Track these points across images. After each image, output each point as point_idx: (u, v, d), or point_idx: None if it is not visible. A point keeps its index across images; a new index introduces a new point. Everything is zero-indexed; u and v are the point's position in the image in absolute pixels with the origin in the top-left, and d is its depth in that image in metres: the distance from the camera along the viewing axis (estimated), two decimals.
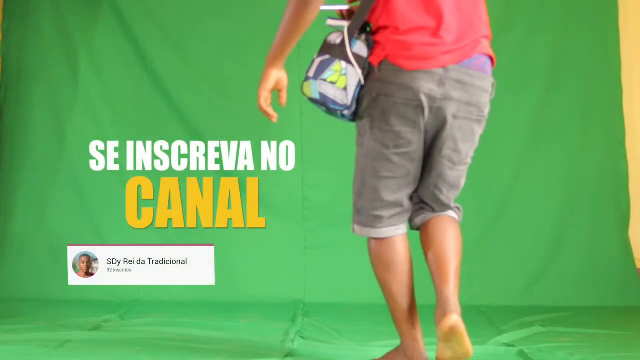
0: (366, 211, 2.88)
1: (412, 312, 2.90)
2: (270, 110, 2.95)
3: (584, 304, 4.74)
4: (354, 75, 2.83)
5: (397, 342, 3.40)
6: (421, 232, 2.98)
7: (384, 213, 2.88)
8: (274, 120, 2.97)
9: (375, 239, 2.88)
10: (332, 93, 2.84)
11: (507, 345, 3.47)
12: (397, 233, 2.90)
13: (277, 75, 2.95)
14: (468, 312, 4.52)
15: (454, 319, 2.82)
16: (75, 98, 4.94)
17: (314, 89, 2.87)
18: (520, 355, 3.23)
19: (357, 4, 2.93)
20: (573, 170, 4.92)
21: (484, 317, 4.32)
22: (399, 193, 2.89)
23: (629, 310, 4.66)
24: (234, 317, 4.24)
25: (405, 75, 2.77)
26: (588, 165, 4.93)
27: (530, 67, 4.93)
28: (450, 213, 3.04)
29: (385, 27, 2.82)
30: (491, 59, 2.94)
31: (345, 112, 2.85)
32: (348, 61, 2.82)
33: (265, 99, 2.95)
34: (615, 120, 4.95)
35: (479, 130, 2.94)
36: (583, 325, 4.05)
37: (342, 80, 2.83)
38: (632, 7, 5.01)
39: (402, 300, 2.88)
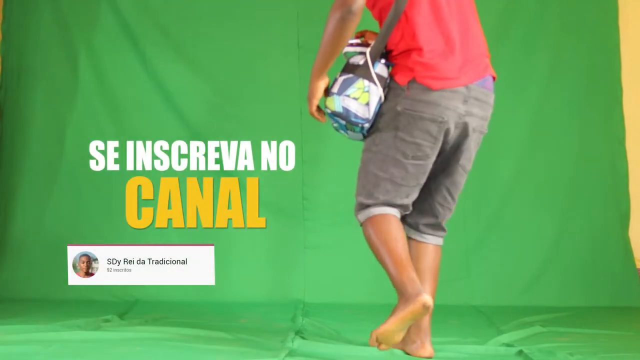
0: (373, 206, 3.12)
1: (408, 261, 3.05)
2: (320, 116, 3.21)
3: (584, 304, 4.74)
4: (375, 93, 3.09)
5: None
6: (414, 245, 3.27)
7: (390, 210, 3.13)
8: (324, 121, 3.22)
9: (372, 217, 3.11)
10: (355, 107, 3.10)
11: (507, 345, 3.47)
12: (397, 216, 3.14)
13: (325, 85, 3.19)
14: (468, 312, 4.54)
15: (432, 352, 3.22)
16: (75, 98, 4.94)
17: (337, 103, 3.12)
18: (520, 355, 3.23)
19: (363, 39, 3.22)
20: (573, 170, 4.93)
21: (484, 317, 4.32)
22: (406, 199, 3.14)
23: (629, 310, 4.67)
24: (234, 317, 4.24)
25: (433, 94, 3.06)
26: (588, 165, 4.93)
27: (531, 67, 4.93)
28: (441, 240, 3.31)
29: (407, 51, 3.10)
30: (493, 78, 3.25)
31: (366, 125, 3.12)
32: (371, 80, 3.10)
33: (316, 107, 3.20)
34: (615, 120, 4.95)
35: (481, 140, 3.28)
36: (583, 325, 4.05)
37: (365, 97, 3.10)
38: (632, 8, 5.01)
39: (399, 248, 3.05)
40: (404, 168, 3.09)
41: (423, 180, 3.15)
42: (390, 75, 3.13)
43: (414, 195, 3.15)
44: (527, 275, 4.87)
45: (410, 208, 3.17)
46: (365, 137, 3.18)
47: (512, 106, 4.92)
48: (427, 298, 2.95)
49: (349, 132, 3.17)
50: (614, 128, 4.96)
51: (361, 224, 3.15)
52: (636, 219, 4.97)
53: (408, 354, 3.22)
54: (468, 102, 3.11)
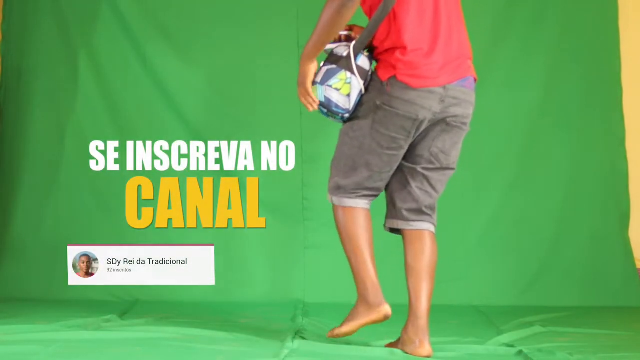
0: (349, 189, 3.32)
1: (373, 261, 3.31)
2: (310, 102, 3.30)
3: (584, 304, 4.74)
4: (356, 86, 3.24)
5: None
6: (409, 242, 3.36)
7: (364, 193, 3.33)
8: (313, 108, 3.31)
9: (346, 208, 3.32)
10: (336, 98, 3.24)
11: (507, 345, 3.47)
12: (367, 207, 3.35)
13: (315, 69, 3.30)
14: (468, 312, 4.54)
15: (431, 351, 3.25)
16: (75, 98, 4.94)
17: (320, 92, 3.27)
18: (520, 355, 3.23)
19: (351, 32, 3.33)
20: (573, 170, 4.92)
21: (484, 317, 4.32)
22: (379, 183, 3.34)
23: (629, 310, 4.66)
24: (234, 317, 4.24)
25: (411, 92, 3.19)
26: (588, 165, 4.93)
27: (531, 67, 4.93)
28: (431, 227, 3.38)
29: (392, 49, 3.21)
30: (475, 79, 3.36)
31: (346, 115, 3.27)
32: (353, 72, 3.23)
33: (308, 92, 3.29)
34: (615, 120, 4.95)
35: (463, 137, 3.37)
36: (583, 325, 4.04)
37: (346, 88, 3.24)
38: (632, 7, 5.01)
39: (367, 254, 3.29)
40: (379, 156, 3.26)
41: (395, 166, 3.31)
42: (374, 70, 3.26)
43: (386, 180, 3.34)
44: (527, 275, 4.86)
45: (382, 190, 3.37)
46: (345, 122, 3.33)
47: (512, 106, 4.92)
48: (388, 309, 3.25)
49: (330, 118, 3.32)
50: (614, 128, 4.95)
51: (334, 205, 3.35)
52: (636, 219, 4.97)
53: (407, 353, 3.23)
54: (445, 101, 3.22)
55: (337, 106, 3.24)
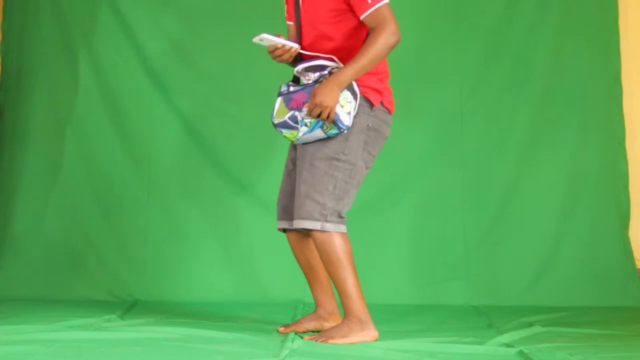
0: (342, 212, 3.49)
1: None
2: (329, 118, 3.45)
3: (584, 304, 4.74)
4: (353, 105, 3.43)
5: (399, 342, 3.42)
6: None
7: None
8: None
9: (342, 233, 3.49)
10: (339, 113, 3.40)
11: (507, 345, 3.47)
12: None
13: None
14: (468, 312, 4.54)
15: None
16: (75, 98, 4.94)
17: None
18: (520, 355, 3.23)
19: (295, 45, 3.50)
20: (573, 170, 4.93)
21: (484, 317, 4.32)
22: None
23: (629, 310, 4.66)
24: (234, 317, 4.24)
25: (388, 117, 3.58)
26: (588, 165, 4.93)
27: (531, 67, 4.93)
28: None
29: (375, 75, 3.51)
30: None
31: (345, 132, 3.44)
32: (353, 93, 3.42)
33: (331, 114, 3.42)
34: (615, 120, 4.95)
35: None
36: (583, 325, 4.04)
37: (348, 107, 3.42)
38: (632, 8, 5.01)
39: (355, 272, 3.50)
40: (361, 175, 3.53)
41: None
42: (361, 94, 3.47)
43: None
44: (527, 275, 4.86)
45: None
46: (325, 138, 3.46)
47: (512, 106, 4.93)
48: (377, 334, 3.46)
49: (318, 130, 3.42)
50: (614, 128, 4.95)
51: (326, 232, 3.45)
52: (636, 219, 4.97)
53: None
54: None
55: (341, 122, 3.40)
